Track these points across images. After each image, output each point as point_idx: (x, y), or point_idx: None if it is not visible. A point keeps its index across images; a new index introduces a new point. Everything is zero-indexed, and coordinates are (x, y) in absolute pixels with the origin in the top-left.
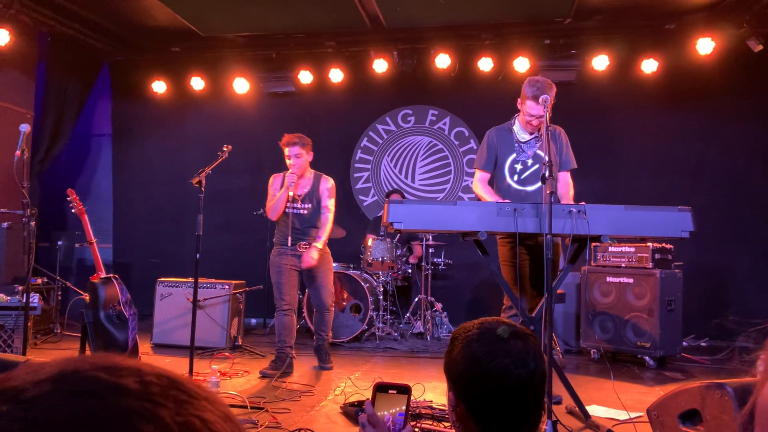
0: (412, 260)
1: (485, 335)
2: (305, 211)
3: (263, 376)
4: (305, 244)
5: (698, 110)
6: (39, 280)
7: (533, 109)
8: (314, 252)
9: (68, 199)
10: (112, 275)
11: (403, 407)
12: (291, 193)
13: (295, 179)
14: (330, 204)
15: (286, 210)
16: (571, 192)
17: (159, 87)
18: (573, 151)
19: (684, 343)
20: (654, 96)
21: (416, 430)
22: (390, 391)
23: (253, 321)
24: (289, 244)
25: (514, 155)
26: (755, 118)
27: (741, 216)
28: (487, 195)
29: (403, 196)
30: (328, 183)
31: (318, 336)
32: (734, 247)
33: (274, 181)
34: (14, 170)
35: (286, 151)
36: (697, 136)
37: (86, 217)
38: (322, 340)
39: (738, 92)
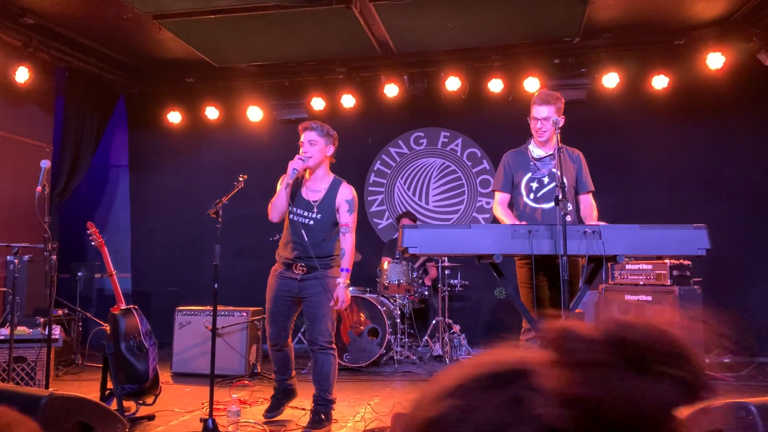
0: (427, 282)
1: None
2: (312, 222)
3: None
4: (303, 266)
5: (711, 125)
6: (60, 312)
7: (536, 112)
8: (343, 291)
9: (88, 232)
10: (132, 306)
11: None
12: (308, 194)
13: (301, 166)
14: (351, 221)
15: (290, 216)
16: (595, 213)
17: (174, 117)
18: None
19: (706, 360)
20: (666, 112)
21: None
22: None
23: None
24: (291, 266)
25: (529, 174)
26: None
27: (758, 230)
28: (506, 217)
29: (414, 218)
30: (349, 193)
31: (316, 393)
32: (753, 261)
33: (283, 179)
34: (35, 205)
35: (302, 136)
36: (711, 151)
37: (106, 249)
38: (320, 399)
39: (750, 106)
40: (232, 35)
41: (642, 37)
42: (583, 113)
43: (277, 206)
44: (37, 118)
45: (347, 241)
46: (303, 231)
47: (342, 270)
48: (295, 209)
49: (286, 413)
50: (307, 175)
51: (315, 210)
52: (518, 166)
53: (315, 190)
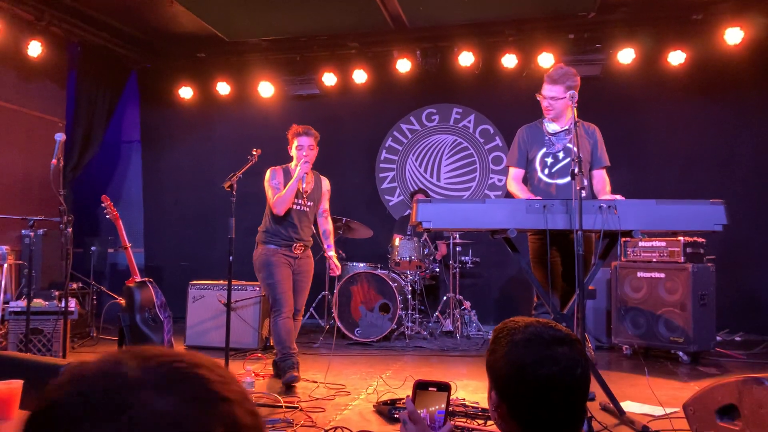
0: (437, 258)
1: (532, 341)
2: (307, 209)
3: (288, 383)
4: (302, 246)
5: (728, 102)
6: (74, 285)
7: (544, 90)
8: (336, 260)
9: (102, 205)
10: (147, 279)
11: (443, 405)
12: (303, 185)
13: (308, 169)
14: (328, 207)
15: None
16: (608, 188)
17: (186, 93)
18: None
19: (718, 338)
20: (682, 88)
21: (455, 428)
22: (430, 389)
23: None
24: (291, 246)
25: (544, 149)
26: None
27: None
28: (520, 192)
29: (428, 196)
30: (327, 184)
31: (292, 349)
32: (767, 240)
33: (273, 174)
34: (51, 178)
35: (299, 140)
36: (728, 129)
37: (120, 222)
38: (294, 354)
39: None
40: (243, 9)
41: (658, 12)
42: (598, 89)
43: (287, 201)
44: (50, 93)
45: (329, 223)
46: (301, 216)
47: (330, 246)
48: (295, 200)
49: (299, 385)
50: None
51: (307, 199)
52: (533, 141)
53: (309, 182)
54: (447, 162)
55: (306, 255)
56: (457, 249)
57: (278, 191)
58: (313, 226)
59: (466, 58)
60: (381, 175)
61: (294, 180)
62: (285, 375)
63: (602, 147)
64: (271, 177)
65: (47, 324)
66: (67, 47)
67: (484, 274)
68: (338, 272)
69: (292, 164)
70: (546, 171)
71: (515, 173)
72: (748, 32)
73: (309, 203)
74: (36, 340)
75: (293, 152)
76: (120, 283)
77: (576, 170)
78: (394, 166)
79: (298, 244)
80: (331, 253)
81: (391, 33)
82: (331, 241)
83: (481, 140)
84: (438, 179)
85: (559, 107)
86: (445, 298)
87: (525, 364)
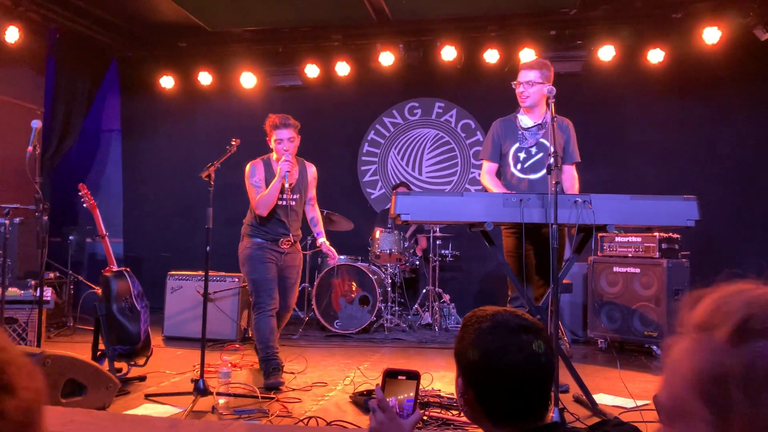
0: (417, 252)
1: (498, 329)
2: (294, 203)
3: (272, 387)
4: (289, 240)
5: (706, 100)
6: (51, 275)
7: (520, 75)
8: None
9: (80, 194)
10: (123, 268)
11: (412, 393)
12: (287, 184)
13: (290, 168)
14: (315, 194)
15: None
16: (577, 185)
17: (167, 82)
18: (581, 142)
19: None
20: (661, 86)
21: (425, 417)
22: (399, 377)
23: None
24: (278, 241)
25: (517, 144)
26: (764, 107)
27: (750, 205)
28: (494, 186)
29: (410, 189)
30: (313, 170)
31: (274, 348)
32: (743, 236)
33: (253, 170)
34: (26, 166)
35: (278, 134)
36: (705, 126)
37: (98, 211)
38: (277, 353)
39: (745, 81)
40: None
41: (639, 10)
42: (579, 86)
43: (270, 203)
44: (28, 80)
45: (317, 210)
46: (288, 211)
47: (320, 233)
48: (279, 194)
49: None
50: (280, 170)
51: (292, 192)
52: (506, 135)
53: (293, 175)
54: (429, 156)
55: (294, 249)
56: (437, 242)
57: (259, 190)
58: (301, 218)
59: (448, 53)
60: (363, 168)
61: (276, 180)
62: (269, 378)
63: (574, 142)
64: (250, 174)
65: (22, 313)
66: (46, 33)
67: (464, 268)
68: (336, 259)
69: (274, 156)
70: (519, 166)
71: (489, 167)
72: (725, 32)
73: (295, 196)
74: (10, 329)
75: (272, 145)
76: (98, 272)
77: (552, 165)
78: (376, 159)
79: (285, 239)
80: (322, 240)
81: (374, 26)
82: (321, 228)
83: (463, 135)
84: (420, 173)
85: (534, 95)
86: (424, 291)
87: (490, 350)
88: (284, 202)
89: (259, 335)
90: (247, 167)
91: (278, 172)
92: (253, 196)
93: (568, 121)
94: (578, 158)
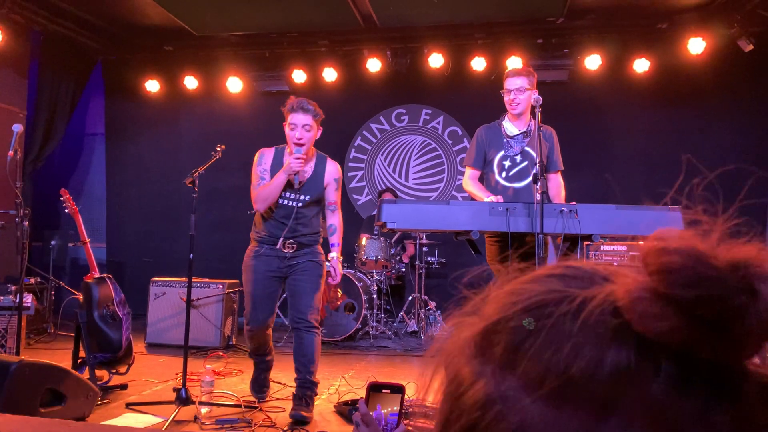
0: (404, 259)
1: None
2: (300, 203)
3: (300, 420)
4: (293, 245)
5: (690, 109)
6: (32, 280)
7: (509, 83)
8: (339, 265)
9: (61, 199)
10: (105, 275)
11: (396, 407)
12: (296, 182)
13: (301, 164)
14: (338, 197)
15: (278, 199)
16: (563, 193)
17: (152, 86)
18: (567, 150)
19: None
20: (646, 95)
21: (409, 428)
22: (384, 391)
23: None
24: (278, 245)
25: (502, 152)
26: (747, 118)
27: (733, 215)
28: (478, 191)
29: (396, 195)
30: (336, 171)
31: (300, 375)
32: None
33: (261, 158)
34: (7, 170)
35: (292, 118)
36: (689, 135)
37: (80, 216)
38: (306, 382)
39: (729, 92)
40: (213, 3)
41: (625, 20)
42: (565, 94)
43: (270, 199)
44: (10, 82)
45: (337, 218)
46: (293, 213)
47: (335, 245)
48: (283, 192)
49: None
50: (287, 164)
51: (302, 191)
52: (491, 142)
53: (305, 171)
54: (415, 162)
55: (302, 253)
56: (424, 249)
57: (262, 181)
58: (313, 223)
59: (435, 60)
60: (350, 174)
61: (281, 174)
62: (293, 409)
63: (558, 151)
64: (257, 161)
65: (1, 320)
66: (29, 36)
67: (450, 275)
68: (338, 280)
69: (293, 150)
70: (503, 174)
71: (472, 173)
72: (710, 42)
73: (303, 197)
74: None
75: (286, 131)
76: (80, 277)
77: (538, 174)
78: (363, 166)
79: (287, 242)
80: (334, 254)
81: (362, 32)
82: (338, 239)
83: (450, 142)
84: (406, 179)
85: (524, 102)
86: (410, 298)
87: None
88: (288, 202)
89: (250, 347)
90: (256, 154)
91: (285, 164)
92: (254, 187)
93: (552, 129)
94: (562, 166)
